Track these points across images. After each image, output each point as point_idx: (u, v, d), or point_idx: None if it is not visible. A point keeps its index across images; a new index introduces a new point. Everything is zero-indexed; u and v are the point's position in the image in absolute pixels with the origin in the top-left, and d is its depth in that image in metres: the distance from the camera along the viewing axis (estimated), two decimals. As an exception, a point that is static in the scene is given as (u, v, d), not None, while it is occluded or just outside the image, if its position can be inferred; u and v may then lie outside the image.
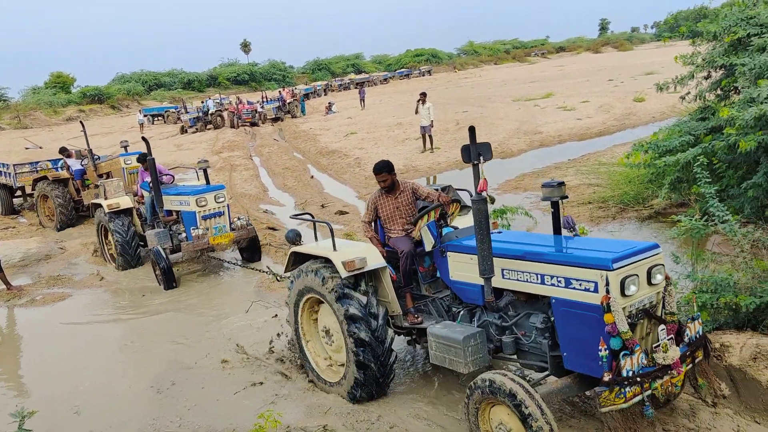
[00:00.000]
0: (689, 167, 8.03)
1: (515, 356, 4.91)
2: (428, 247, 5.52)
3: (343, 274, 5.26)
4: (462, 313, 5.27)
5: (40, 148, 22.36)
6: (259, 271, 10.00)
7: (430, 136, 19.68)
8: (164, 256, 9.76)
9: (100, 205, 11.21)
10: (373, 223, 5.98)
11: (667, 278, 4.32)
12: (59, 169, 15.48)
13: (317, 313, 5.99)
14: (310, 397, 5.85)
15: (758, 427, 4.59)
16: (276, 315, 7.91)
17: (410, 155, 19.35)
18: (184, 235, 10.32)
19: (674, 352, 4.11)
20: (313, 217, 6.30)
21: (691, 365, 4.30)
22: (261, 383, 6.24)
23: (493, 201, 4.54)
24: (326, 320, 5.81)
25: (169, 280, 9.75)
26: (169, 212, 10.58)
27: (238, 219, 10.64)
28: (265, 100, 42.07)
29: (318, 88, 63.19)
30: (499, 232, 5.31)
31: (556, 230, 4.85)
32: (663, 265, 4.24)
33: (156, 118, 49.24)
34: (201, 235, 9.91)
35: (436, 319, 5.54)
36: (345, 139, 25.04)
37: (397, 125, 26.70)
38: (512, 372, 4.18)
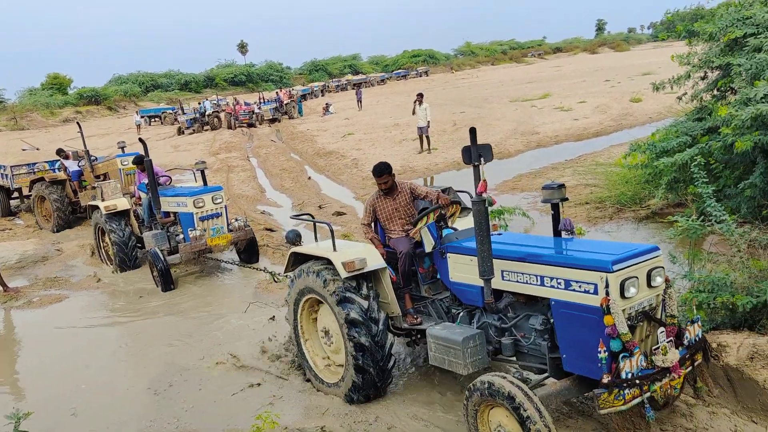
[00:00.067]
0: (686, 167, 8.06)
1: (514, 358, 4.92)
2: (428, 248, 5.53)
3: (343, 274, 5.26)
4: (461, 314, 5.27)
5: (37, 149, 22.26)
6: (258, 270, 9.99)
7: (427, 137, 19.70)
8: (162, 258, 9.73)
9: (97, 207, 11.18)
10: (372, 225, 5.99)
11: (667, 281, 4.32)
12: (56, 170, 15.45)
13: (317, 312, 5.99)
14: (308, 398, 5.85)
15: (755, 426, 4.60)
16: (273, 317, 7.90)
17: (407, 156, 19.36)
18: (181, 236, 10.30)
19: (674, 355, 4.11)
20: (313, 217, 6.30)
21: (690, 368, 4.29)
22: (258, 384, 6.24)
23: (491, 204, 4.53)
24: (326, 321, 5.81)
25: (166, 281, 9.72)
26: (167, 214, 10.56)
27: (236, 220, 10.62)
28: (262, 101, 42.03)
29: (315, 89, 63.25)
30: (500, 234, 5.31)
31: (556, 232, 4.85)
32: (663, 267, 4.25)
33: (153, 120, 49.21)
34: (199, 237, 9.89)
35: (435, 321, 5.55)
36: (342, 140, 25.04)
37: (394, 126, 26.71)
38: (511, 374, 4.18)
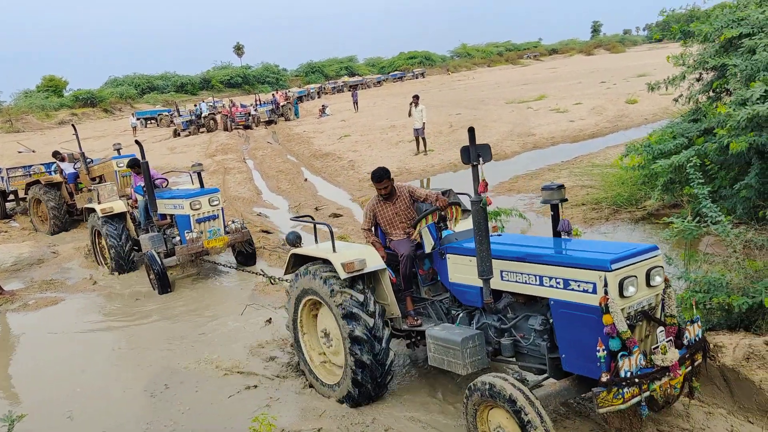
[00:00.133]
0: (682, 169, 8.07)
1: (514, 358, 4.92)
2: (428, 249, 5.53)
3: (342, 275, 5.26)
4: (461, 315, 5.27)
5: (33, 152, 22.22)
6: (255, 273, 9.98)
7: (424, 139, 19.71)
8: (158, 260, 9.71)
9: (93, 210, 11.15)
10: (373, 229, 6.00)
11: (666, 280, 4.32)
12: (52, 172, 15.40)
13: (317, 310, 6.00)
14: (305, 400, 5.84)
15: (752, 426, 4.61)
16: (270, 319, 7.89)
17: (404, 158, 19.37)
18: (178, 238, 10.28)
19: (673, 354, 4.10)
20: (313, 219, 6.31)
21: (689, 368, 4.29)
22: (255, 386, 6.22)
23: (486, 204, 4.54)
24: (326, 322, 5.81)
25: (163, 284, 9.70)
26: (163, 216, 10.54)
27: (233, 222, 10.61)
28: (258, 103, 41.98)
29: (311, 91, 63.24)
30: (499, 235, 5.32)
31: (556, 233, 4.86)
32: (662, 267, 4.25)
33: (149, 122, 49.14)
34: (195, 239, 9.87)
35: (435, 322, 5.55)
36: (338, 141, 25.04)
37: (390, 128, 26.72)
38: (512, 376, 4.17)
